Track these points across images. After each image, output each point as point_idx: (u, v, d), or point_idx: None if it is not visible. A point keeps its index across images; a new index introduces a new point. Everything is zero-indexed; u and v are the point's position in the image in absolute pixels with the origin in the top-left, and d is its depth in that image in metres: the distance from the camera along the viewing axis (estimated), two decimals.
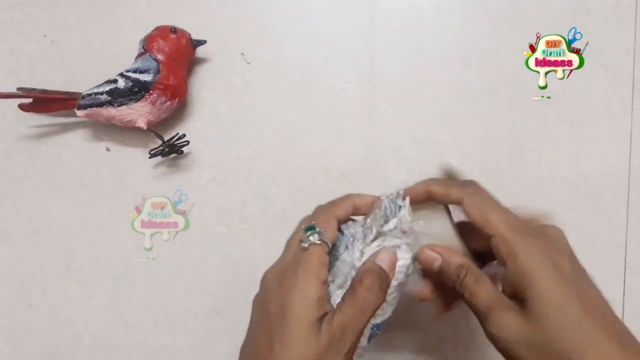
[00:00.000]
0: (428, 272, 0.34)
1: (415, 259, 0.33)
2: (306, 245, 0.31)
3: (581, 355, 0.25)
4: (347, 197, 0.35)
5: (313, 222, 0.32)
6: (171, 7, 0.49)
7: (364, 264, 0.31)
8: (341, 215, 0.34)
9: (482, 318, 0.30)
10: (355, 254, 0.32)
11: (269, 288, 0.31)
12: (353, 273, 0.32)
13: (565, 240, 0.30)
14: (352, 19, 0.49)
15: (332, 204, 0.34)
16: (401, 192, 0.34)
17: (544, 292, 0.26)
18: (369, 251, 0.32)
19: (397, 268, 0.32)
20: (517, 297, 0.28)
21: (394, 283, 0.32)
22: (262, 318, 0.30)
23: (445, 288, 0.35)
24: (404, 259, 0.32)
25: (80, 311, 0.49)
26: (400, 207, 0.32)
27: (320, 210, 0.34)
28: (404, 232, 0.32)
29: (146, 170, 0.49)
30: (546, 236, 0.29)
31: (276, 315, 0.29)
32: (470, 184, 0.33)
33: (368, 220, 0.33)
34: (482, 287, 0.30)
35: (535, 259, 0.27)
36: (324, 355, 0.27)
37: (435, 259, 0.32)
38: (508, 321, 0.28)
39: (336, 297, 0.31)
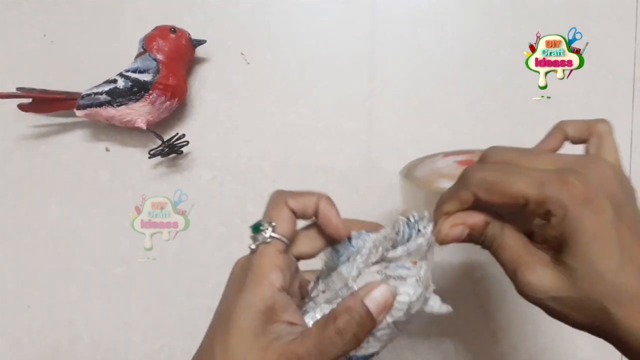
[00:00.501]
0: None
1: (438, 242, 0.28)
2: (253, 246, 0.27)
3: (617, 307, 0.24)
4: (315, 194, 0.29)
5: (259, 220, 0.28)
6: (171, 7, 0.49)
7: (349, 295, 0.26)
8: (297, 207, 0.28)
9: (511, 273, 0.27)
10: (352, 271, 0.27)
11: (229, 282, 0.28)
12: (344, 292, 0.27)
13: (610, 172, 0.26)
14: (352, 19, 0.49)
15: (290, 193, 0.29)
16: (427, 215, 0.29)
17: (579, 246, 0.24)
18: (367, 275, 0.27)
19: (396, 304, 0.27)
20: (553, 248, 0.26)
21: (388, 320, 0.27)
22: (214, 316, 0.28)
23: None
24: (407, 294, 0.27)
25: (79, 311, 0.48)
26: (418, 231, 0.28)
27: (272, 200, 0.29)
28: (414, 263, 0.27)
29: (146, 170, 0.49)
30: (584, 176, 0.25)
31: (221, 319, 0.27)
32: (468, 172, 0.28)
33: (379, 238, 0.28)
34: (509, 238, 0.27)
35: (571, 210, 0.24)
36: None
37: (462, 231, 0.28)
38: (539, 276, 0.26)
39: (322, 310, 0.27)
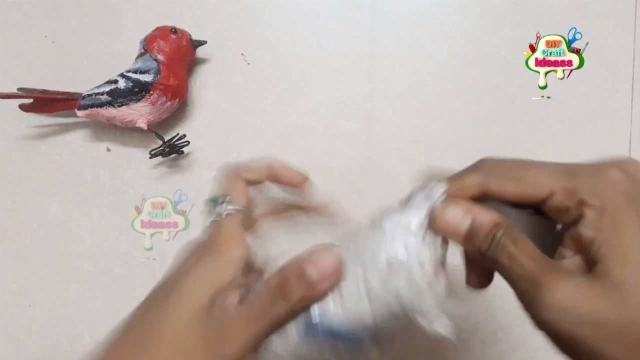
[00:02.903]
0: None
1: (432, 223, 0.23)
2: (210, 220, 0.25)
3: None
4: (264, 160, 0.28)
5: (215, 194, 0.26)
6: (171, 7, 0.49)
7: (295, 258, 0.23)
8: (250, 176, 0.27)
9: (528, 292, 0.20)
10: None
11: (179, 260, 0.26)
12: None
13: None
14: (352, 19, 0.49)
15: (241, 165, 0.27)
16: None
17: (628, 249, 0.19)
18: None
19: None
20: (586, 260, 0.20)
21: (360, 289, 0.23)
22: (154, 290, 0.25)
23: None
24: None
25: (80, 311, 0.49)
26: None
27: (224, 175, 0.27)
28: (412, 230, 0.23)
29: (146, 170, 0.49)
30: (625, 173, 0.20)
31: (165, 289, 0.24)
32: (482, 162, 0.24)
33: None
34: (525, 248, 0.21)
35: (616, 204, 0.19)
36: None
37: (463, 219, 0.22)
38: (570, 293, 0.19)
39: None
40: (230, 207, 0.25)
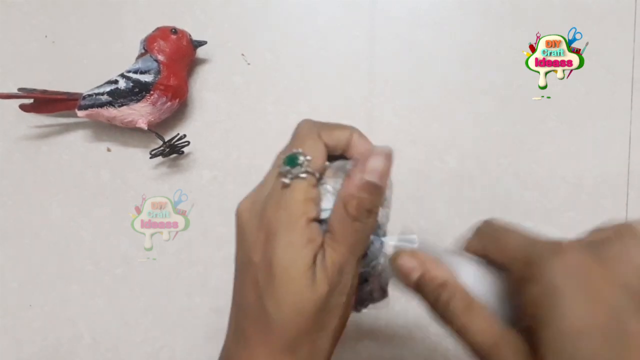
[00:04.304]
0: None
1: (390, 262, 0.26)
2: (287, 181, 0.25)
3: None
4: (348, 127, 0.27)
5: (295, 151, 0.25)
6: (171, 7, 0.49)
7: (348, 177, 0.25)
8: (330, 142, 0.26)
9: (481, 357, 0.22)
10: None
11: (247, 229, 0.25)
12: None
13: (635, 262, 0.19)
14: (352, 19, 0.49)
15: (322, 126, 0.27)
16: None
17: (564, 336, 0.18)
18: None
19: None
20: (529, 327, 0.20)
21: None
22: (246, 269, 0.25)
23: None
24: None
25: (80, 311, 0.49)
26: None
27: (305, 131, 0.27)
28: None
29: (146, 170, 0.49)
30: (593, 254, 0.20)
31: (261, 266, 0.24)
32: (484, 224, 0.26)
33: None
34: (478, 318, 0.22)
35: (558, 283, 0.19)
36: (325, 303, 0.23)
37: (413, 269, 0.25)
38: None
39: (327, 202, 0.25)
40: (309, 169, 0.25)
